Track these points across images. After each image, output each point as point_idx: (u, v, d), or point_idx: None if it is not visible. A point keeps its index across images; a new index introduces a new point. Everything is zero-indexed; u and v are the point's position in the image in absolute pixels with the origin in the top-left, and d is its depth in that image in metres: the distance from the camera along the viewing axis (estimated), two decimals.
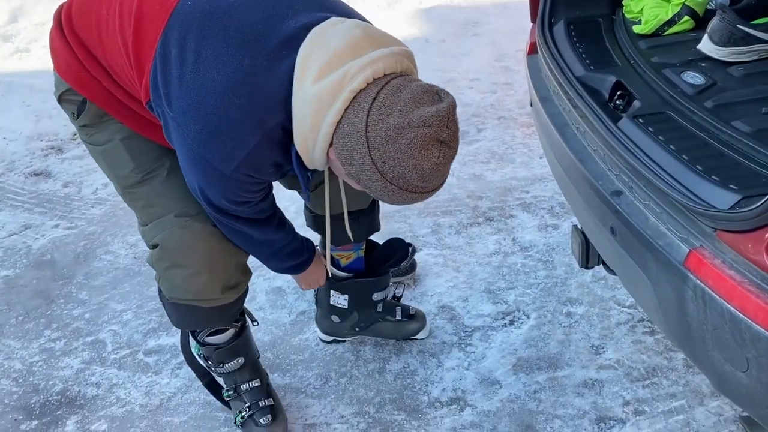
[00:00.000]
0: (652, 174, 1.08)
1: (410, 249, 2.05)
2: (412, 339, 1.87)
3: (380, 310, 1.82)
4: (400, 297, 1.89)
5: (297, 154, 1.18)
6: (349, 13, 1.22)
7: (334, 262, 1.77)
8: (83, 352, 1.96)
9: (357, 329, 1.84)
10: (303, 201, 1.69)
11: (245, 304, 1.63)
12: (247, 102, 1.10)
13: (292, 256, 1.53)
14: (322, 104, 1.07)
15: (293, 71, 1.10)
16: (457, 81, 3.28)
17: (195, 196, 1.31)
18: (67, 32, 1.34)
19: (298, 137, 1.14)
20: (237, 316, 1.61)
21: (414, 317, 1.86)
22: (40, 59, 4.05)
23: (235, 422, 1.65)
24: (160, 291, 1.52)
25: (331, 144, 1.12)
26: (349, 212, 1.57)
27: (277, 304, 2.06)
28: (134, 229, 2.45)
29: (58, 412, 1.77)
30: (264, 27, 1.12)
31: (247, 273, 1.55)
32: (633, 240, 1.10)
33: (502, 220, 2.32)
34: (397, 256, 1.80)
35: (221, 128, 1.13)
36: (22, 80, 3.78)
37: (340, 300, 1.79)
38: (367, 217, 1.69)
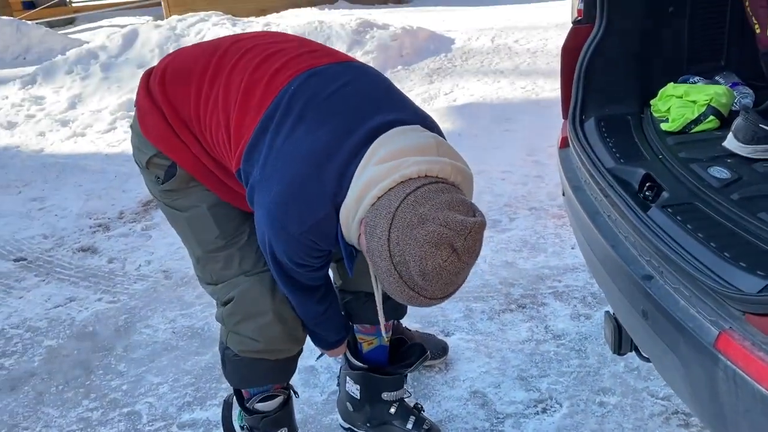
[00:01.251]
0: (682, 260, 1.13)
1: (442, 347, 2.10)
2: None
3: (392, 413, 1.78)
4: (421, 408, 1.83)
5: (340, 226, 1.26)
6: (432, 127, 1.33)
7: (357, 347, 1.79)
8: (119, 422, 1.99)
9: (368, 425, 1.81)
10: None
11: None
12: (324, 177, 1.21)
13: (331, 328, 1.58)
14: (374, 180, 1.17)
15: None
16: (489, 173, 3.40)
17: (262, 249, 1.38)
18: (159, 97, 1.43)
19: (344, 208, 1.22)
20: (293, 374, 1.66)
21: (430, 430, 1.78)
22: (94, 143, 4.31)
23: None
24: (223, 353, 1.57)
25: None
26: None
27: (309, 383, 2.08)
28: (174, 305, 2.53)
29: None
30: (356, 116, 1.24)
31: (306, 329, 1.60)
32: (664, 323, 1.14)
33: (534, 308, 2.35)
34: (415, 361, 1.77)
35: (298, 196, 1.22)
36: (76, 162, 4.02)
37: (353, 389, 1.79)
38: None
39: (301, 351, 1.62)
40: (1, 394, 2.13)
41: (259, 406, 1.63)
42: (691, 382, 1.08)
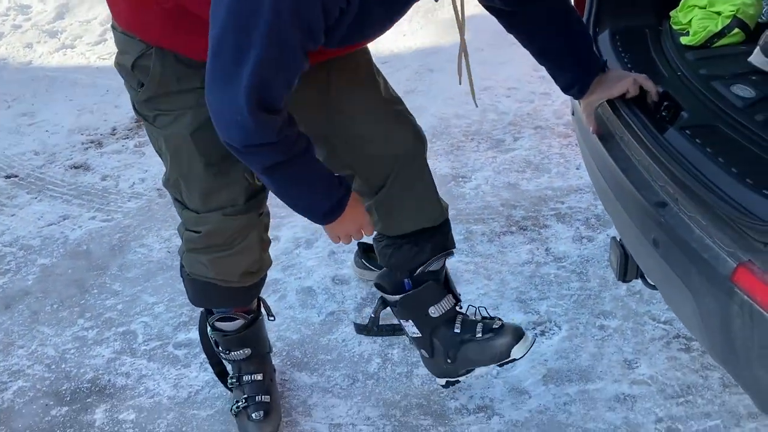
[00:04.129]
0: (700, 186, 1.05)
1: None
2: (511, 363, 1.56)
3: (458, 330, 1.56)
4: (488, 317, 1.60)
5: None
6: None
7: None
8: (114, 342, 1.98)
9: (454, 361, 1.57)
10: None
11: (267, 299, 1.64)
12: None
13: (325, 187, 1.30)
14: None
15: None
16: (494, 89, 3.27)
17: (217, 53, 1.09)
18: None
19: None
20: (251, 302, 1.64)
21: (501, 331, 1.53)
22: (84, 55, 4.14)
23: (231, 410, 1.67)
24: (180, 269, 1.57)
25: None
26: (418, 230, 1.55)
27: (307, 304, 2.06)
28: (168, 224, 2.48)
29: (88, 400, 1.80)
30: None
31: (268, 262, 1.59)
32: (677, 253, 1.08)
33: (535, 230, 2.30)
34: (431, 256, 1.57)
35: None
36: (66, 75, 3.87)
37: (411, 329, 1.60)
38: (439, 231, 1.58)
39: (260, 282, 1.59)
40: None
41: (219, 324, 1.63)
42: (703, 315, 1.03)
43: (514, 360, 1.54)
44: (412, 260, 1.55)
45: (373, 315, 1.66)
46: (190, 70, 1.29)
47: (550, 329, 1.90)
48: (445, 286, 1.62)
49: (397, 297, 1.56)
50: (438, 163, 2.72)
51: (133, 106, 1.41)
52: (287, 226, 2.40)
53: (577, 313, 1.94)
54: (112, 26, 1.38)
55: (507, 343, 1.51)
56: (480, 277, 2.12)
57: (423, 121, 3.04)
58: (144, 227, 2.51)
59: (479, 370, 1.77)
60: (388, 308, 1.65)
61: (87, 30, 4.42)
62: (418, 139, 1.53)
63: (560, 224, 2.31)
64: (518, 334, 1.53)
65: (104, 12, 4.55)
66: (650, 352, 1.79)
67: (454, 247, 1.64)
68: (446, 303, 1.57)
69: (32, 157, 3.08)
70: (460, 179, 2.63)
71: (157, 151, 1.46)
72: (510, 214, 2.39)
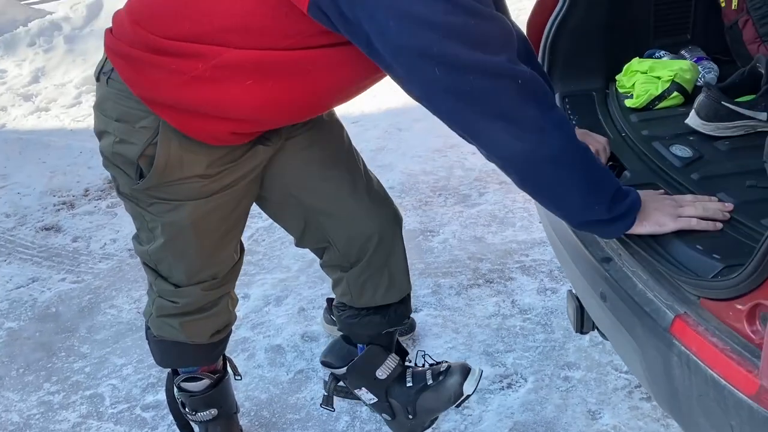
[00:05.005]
0: (640, 241, 1.12)
1: (409, 324, 2.07)
2: (466, 399, 1.60)
3: (410, 384, 1.59)
4: (434, 362, 1.65)
5: None
6: None
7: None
8: (81, 405, 1.97)
9: (411, 416, 1.59)
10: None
11: (236, 358, 1.64)
12: None
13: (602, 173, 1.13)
14: None
15: None
16: (461, 147, 3.36)
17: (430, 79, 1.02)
18: (141, 37, 1.17)
19: None
20: (218, 359, 1.65)
21: (448, 372, 1.58)
22: (58, 118, 4.19)
23: None
24: (146, 331, 1.58)
25: None
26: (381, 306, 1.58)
27: (276, 362, 2.07)
28: (139, 284, 2.49)
29: None
30: None
31: (234, 317, 1.61)
32: (622, 306, 1.13)
33: (501, 283, 2.35)
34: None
35: None
36: (39, 138, 3.91)
37: (366, 395, 1.62)
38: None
39: (225, 338, 1.61)
40: None
41: (186, 385, 1.63)
42: (648, 365, 1.08)
43: (468, 396, 1.58)
44: (374, 329, 1.59)
45: (326, 393, 1.65)
46: (195, 156, 1.26)
47: (516, 382, 1.93)
48: (388, 345, 1.65)
49: (344, 369, 1.59)
50: (407, 218, 2.78)
51: (120, 191, 1.34)
52: (257, 284, 2.43)
53: (542, 365, 1.98)
54: (99, 109, 1.29)
55: (457, 382, 1.56)
56: (448, 330, 2.15)
57: (392, 177, 3.14)
58: (114, 288, 2.51)
59: (447, 425, 1.79)
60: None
61: (62, 93, 4.49)
62: (396, 219, 1.57)
63: (525, 276, 2.37)
64: (465, 370, 1.58)
65: (79, 75, 4.64)
66: (613, 402, 1.82)
67: (411, 312, 1.69)
68: (391, 362, 1.60)
69: (3, 219, 3.08)
70: (429, 233, 2.69)
71: (141, 228, 1.39)
72: (477, 267, 2.45)
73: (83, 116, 4.16)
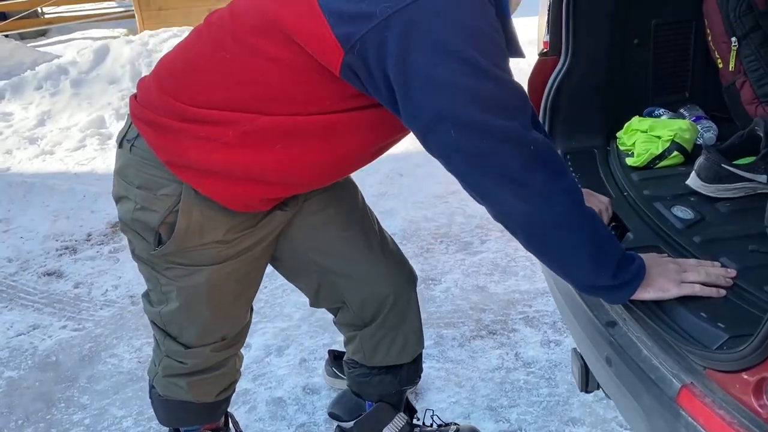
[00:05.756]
0: (644, 307, 1.12)
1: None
2: None
3: None
4: (443, 424, 1.69)
5: None
6: None
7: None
8: None
9: None
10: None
11: (237, 411, 1.62)
12: None
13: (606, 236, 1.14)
14: None
15: None
16: (461, 193, 3.35)
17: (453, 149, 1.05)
18: (169, 104, 1.19)
19: None
20: (222, 416, 1.64)
21: None
22: (62, 161, 4.23)
23: None
24: (150, 391, 1.57)
25: None
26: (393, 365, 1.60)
27: (277, 416, 2.05)
28: (140, 332, 2.48)
29: None
30: None
31: (239, 374, 1.60)
32: (627, 371, 1.13)
33: (505, 334, 2.34)
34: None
35: None
36: (44, 181, 3.94)
37: None
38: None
39: (230, 396, 1.61)
40: None
41: None
42: None
43: None
44: (384, 388, 1.58)
45: None
46: (215, 223, 1.26)
47: None
48: (397, 403, 1.63)
49: (352, 423, 1.58)
50: None
51: (136, 254, 1.34)
52: (258, 333, 2.42)
53: (546, 420, 1.96)
54: (121, 175, 1.28)
55: None
56: (451, 384, 2.13)
57: (394, 224, 3.15)
58: (115, 336, 2.50)
59: None
60: None
61: (67, 136, 4.53)
62: (411, 279, 1.57)
63: (528, 328, 2.36)
64: None
65: (84, 119, 4.70)
66: None
67: (422, 372, 1.70)
68: (399, 421, 1.61)
69: (5, 264, 3.08)
70: (430, 282, 2.69)
71: (154, 290, 1.39)
72: (479, 317, 2.44)
73: (87, 160, 4.20)
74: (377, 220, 1.57)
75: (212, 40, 1.19)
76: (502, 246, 2.91)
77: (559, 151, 1.77)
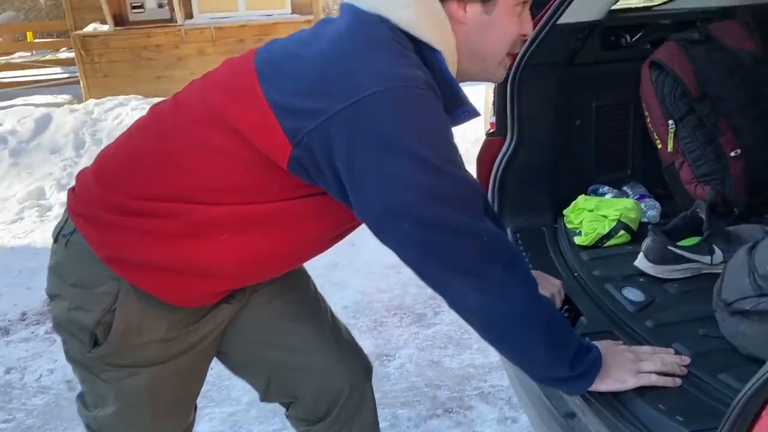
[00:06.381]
0: (601, 399, 1.11)
1: None
2: None
3: None
4: None
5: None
6: None
7: None
8: None
9: None
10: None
11: None
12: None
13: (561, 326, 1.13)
14: None
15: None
16: None
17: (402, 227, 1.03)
18: (109, 200, 1.14)
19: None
20: None
21: None
22: None
23: None
24: None
25: None
26: None
27: None
28: (76, 422, 2.32)
29: None
30: None
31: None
32: None
33: (461, 412, 2.29)
34: None
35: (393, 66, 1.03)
36: None
37: None
38: None
39: None
40: None
41: None
42: None
43: None
44: None
45: None
46: (156, 321, 1.20)
47: None
48: None
49: None
50: (362, 341, 2.70)
51: (70, 356, 1.25)
52: (205, 419, 2.30)
53: None
54: (55, 272, 1.22)
55: None
56: None
57: (346, 297, 3.10)
58: (48, 427, 2.34)
59: None
60: None
61: (3, 208, 4.36)
62: (366, 370, 1.51)
63: (484, 404, 2.32)
64: None
65: (23, 190, 4.54)
66: None
67: None
68: None
69: None
70: (384, 358, 2.64)
71: (89, 392, 1.29)
72: (435, 395, 2.39)
73: (25, 233, 4.03)
74: (330, 308, 1.52)
75: (156, 132, 1.16)
76: (456, 317, 2.84)
77: (508, 229, 1.78)
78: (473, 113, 1.18)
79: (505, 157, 1.80)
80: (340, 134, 0.99)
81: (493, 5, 1.11)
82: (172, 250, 1.14)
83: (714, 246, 1.42)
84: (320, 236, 1.24)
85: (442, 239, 1.02)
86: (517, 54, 1.11)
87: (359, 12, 1.09)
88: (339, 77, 1.01)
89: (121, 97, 5.62)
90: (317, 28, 1.15)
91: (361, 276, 3.31)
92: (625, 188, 1.86)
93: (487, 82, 1.18)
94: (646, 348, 1.19)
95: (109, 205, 1.14)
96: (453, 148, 1.08)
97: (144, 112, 1.24)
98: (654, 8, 2.02)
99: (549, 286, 1.42)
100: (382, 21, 1.07)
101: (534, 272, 1.39)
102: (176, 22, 7.52)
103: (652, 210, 1.77)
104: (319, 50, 1.05)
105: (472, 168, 1.92)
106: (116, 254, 1.15)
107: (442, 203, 1.02)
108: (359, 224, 1.21)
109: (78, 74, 7.43)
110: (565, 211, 1.80)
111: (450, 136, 1.07)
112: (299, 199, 1.12)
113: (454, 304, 1.11)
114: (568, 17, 1.66)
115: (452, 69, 1.13)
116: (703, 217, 1.44)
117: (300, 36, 1.14)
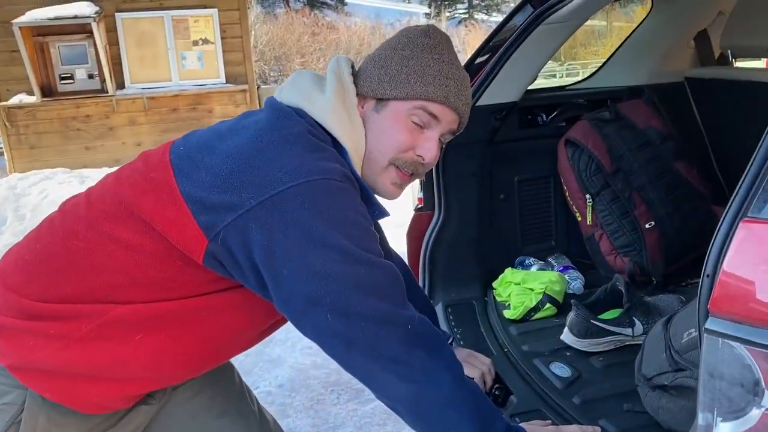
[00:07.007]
0: None
1: None
2: None
3: None
4: None
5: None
6: None
7: None
8: None
9: None
10: None
11: None
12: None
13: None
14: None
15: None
16: None
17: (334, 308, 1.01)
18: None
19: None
20: None
21: None
22: None
23: None
24: None
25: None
26: None
27: None
28: None
29: None
30: None
31: None
32: None
33: None
34: None
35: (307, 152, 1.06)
36: None
37: None
38: None
39: None
40: None
41: None
42: None
43: None
44: None
45: None
46: (65, 430, 1.13)
47: None
48: None
49: None
50: (298, 421, 2.64)
51: None
52: None
53: None
54: None
55: None
56: None
57: (281, 374, 3.02)
58: None
59: None
60: None
61: None
62: None
63: None
64: None
65: None
66: None
67: None
68: None
69: None
70: None
71: None
72: None
73: None
74: (256, 399, 1.47)
75: (64, 229, 1.12)
76: None
77: (440, 305, 1.79)
78: (382, 213, 1.20)
79: (434, 232, 1.82)
80: (258, 228, 0.99)
81: (384, 106, 1.15)
82: (82, 355, 1.08)
83: (634, 318, 1.47)
84: (243, 331, 1.21)
85: (365, 329, 1.01)
86: (411, 174, 1.14)
87: (279, 107, 1.11)
88: (255, 171, 1.01)
89: (47, 171, 5.45)
90: (236, 121, 1.15)
91: (296, 351, 3.24)
92: (549, 259, 1.91)
93: (382, 196, 1.20)
94: (573, 428, 1.20)
95: (13, 308, 1.08)
96: (372, 238, 1.08)
97: (71, 186, 1.20)
98: (567, 88, 2.13)
99: (479, 365, 1.42)
100: (301, 115, 1.09)
101: (464, 350, 1.40)
102: (107, 92, 7.43)
103: (575, 281, 1.81)
104: (236, 144, 1.06)
105: (402, 244, 1.94)
106: (20, 362, 1.09)
107: (364, 292, 1.01)
108: (285, 321, 1.18)
109: (2, 144, 7.20)
110: (494, 284, 1.82)
111: (368, 226, 1.08)
112: (217, 294, 1.09)
113: (380, 395, 1.09)
114: (486, 99, 1.73)
115: (358, 167, 1.15)
116: (623, 289, 1.49)
117: (218, 128, 1.14)
